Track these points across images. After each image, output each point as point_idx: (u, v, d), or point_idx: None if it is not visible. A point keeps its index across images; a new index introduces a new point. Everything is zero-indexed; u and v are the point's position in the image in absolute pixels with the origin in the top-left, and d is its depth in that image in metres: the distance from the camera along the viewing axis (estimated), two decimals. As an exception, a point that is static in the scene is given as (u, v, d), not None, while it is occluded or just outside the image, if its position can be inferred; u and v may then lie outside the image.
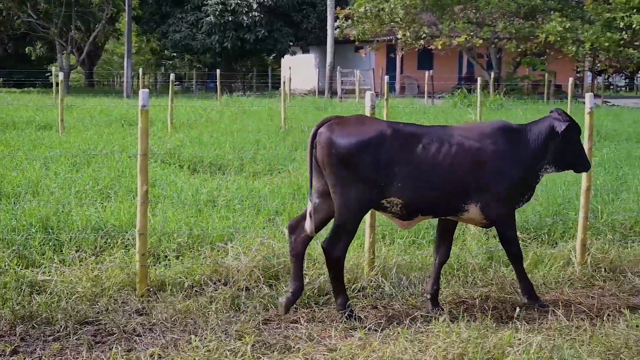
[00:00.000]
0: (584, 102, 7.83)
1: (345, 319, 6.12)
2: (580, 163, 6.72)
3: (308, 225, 6.15)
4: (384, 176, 6.01)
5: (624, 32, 38.11)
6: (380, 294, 6.83)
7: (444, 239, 6.64)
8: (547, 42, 37.74)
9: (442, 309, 6.40)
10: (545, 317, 6.28)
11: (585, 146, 7.32)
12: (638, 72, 61.34)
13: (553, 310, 6.33)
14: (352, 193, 5.98)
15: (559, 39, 37.12)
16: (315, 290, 6.72)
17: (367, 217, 7.20)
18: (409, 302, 6.68)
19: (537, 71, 43.34)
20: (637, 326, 5.95)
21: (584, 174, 7.50)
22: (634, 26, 37.57)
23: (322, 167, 6.06)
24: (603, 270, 7.61)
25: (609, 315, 6.34)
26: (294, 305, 6.41)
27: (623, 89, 71.06)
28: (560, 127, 6.43)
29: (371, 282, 6.95)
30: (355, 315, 6.19)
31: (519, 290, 6.80)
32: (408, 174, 6.04)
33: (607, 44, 37.14)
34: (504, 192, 6.28)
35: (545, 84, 38.35)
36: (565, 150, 6.52)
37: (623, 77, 74.05)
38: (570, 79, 24.15)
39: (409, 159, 6.05)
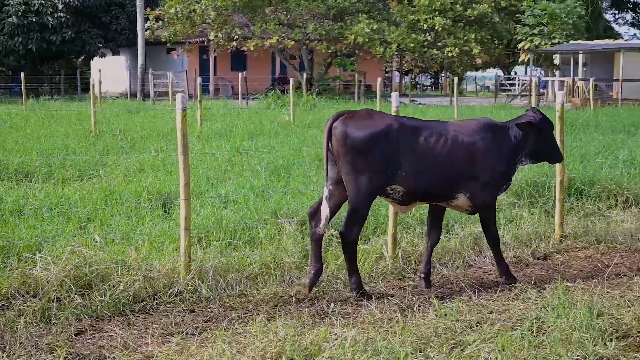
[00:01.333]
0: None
1: (359, 298, 6.73)
2: (554, 155, 7.59)
3: (324, 210, 6.77)
4: (392, 165, 6.66)
5: (427, 34, 39.91)
6: (198, 297, 6.79)
7: (435, 224, 7.39)
8: (356, 44, 38.90)
9: (431, 287, 7.21)
10: (359, 311, 6.45)
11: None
12: (442, 71, 64.29)
13: (367, 304, 6.53)
14: (363, 180, 6.61)
15: (367, 40, 38.36)
16: (130, 297, 6.58)
17: (181, 221, 7.13)
18: (227, 304, 6.67)
19: (348, 71, 44.53)
20: (445, 315, 6.23)
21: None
22: (436, 28, 39.42)
23: (337, 157, 6.68)
24: (413, 262, 7.89)
25: (419, 306, 6.59)
26: (109, 314, 6.30)
27: (429, 87, 74.25)
28: (528, 118, 7.25)
29: (188, 285, 6.89)
30: (368, 295, 6.81)
31: (339, 286, 7.01)
32: (411, 163, 6.71)
33: (412, 45, 38.77)
34: (489, 182, 7.05)
35: (356, 84, 39.44)
36: (541, 144, 7.35)
37: (429, 77, 77.41)
38: (379, 79, 24.96)
39: (412, 150, 6.73)
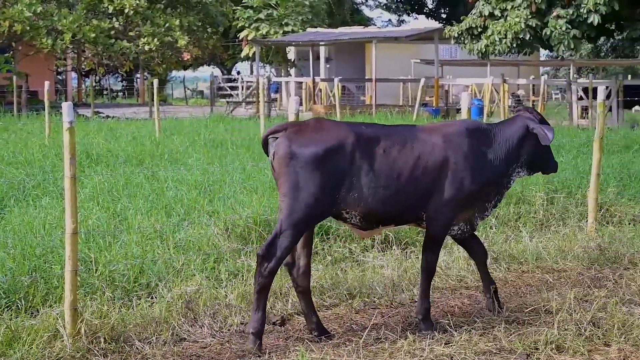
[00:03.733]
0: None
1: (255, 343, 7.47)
2: (550, 164, 8.56)
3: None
4: (342, 186, 7.40)
5: (114, 19, 39.87)
6: None
7: (472, 241, 8.44)
8: (13, 33, 38.07)
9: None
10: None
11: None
12: (137, 71, 64.39)
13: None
14: (301, 203, 7.29)
15: (28, 28, 37.65)
16: None
17: None
18: None
19: (2, 73, 43.51)
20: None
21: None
22: (126, 11, 39.54)
23: (277, 178, 7.42)
24: (103, 340, 7.79)
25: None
26: None
27: (121, 93, 74.16)
28: (539, 129, 8.06)
29: None
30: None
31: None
32: (367, 182, 7.46)
33: (93, 35, 38.58)
34: (465, 197, 7.84)
35: (14, 91, 38.51)
36: (538, 151, 8.27)
37: (119, 79, 77.36)
38: (47, 83, 24.61)
39: (370, 166, 7.45)
